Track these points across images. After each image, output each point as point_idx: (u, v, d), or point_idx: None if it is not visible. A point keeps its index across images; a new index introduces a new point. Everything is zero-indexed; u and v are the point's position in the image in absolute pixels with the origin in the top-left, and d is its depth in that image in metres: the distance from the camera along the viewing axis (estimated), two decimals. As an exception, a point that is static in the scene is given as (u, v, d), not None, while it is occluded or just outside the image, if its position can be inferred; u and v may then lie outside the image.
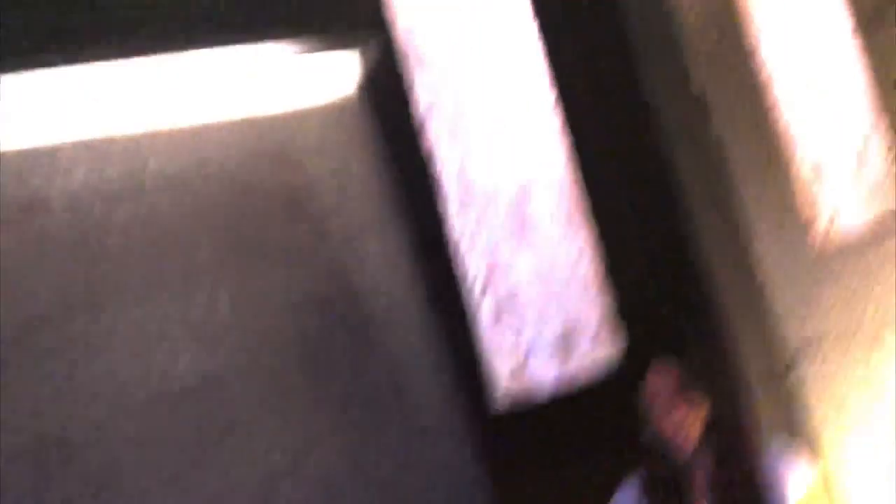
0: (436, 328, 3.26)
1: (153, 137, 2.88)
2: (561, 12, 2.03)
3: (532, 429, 3.20)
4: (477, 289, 1.69)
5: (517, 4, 1.67)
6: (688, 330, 2.86)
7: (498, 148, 1.65)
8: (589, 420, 3.06)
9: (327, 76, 3.26)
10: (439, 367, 3.29)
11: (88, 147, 2.75)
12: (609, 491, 2.80)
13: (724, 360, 2.93)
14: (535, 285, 1.64)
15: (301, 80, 3.19)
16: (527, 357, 1.66)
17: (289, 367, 3.00)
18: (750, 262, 3.23)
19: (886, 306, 3.17)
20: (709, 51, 3.23)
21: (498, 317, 1.67)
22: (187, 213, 2.90)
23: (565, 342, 1.65)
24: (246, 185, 3.04)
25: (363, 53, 3.18)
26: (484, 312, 1.69)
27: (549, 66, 1.69)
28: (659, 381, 2.66)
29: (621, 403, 2.72)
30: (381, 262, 3.29)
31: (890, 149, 2.37)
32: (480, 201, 1.65)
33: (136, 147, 2.85)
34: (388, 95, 3.22)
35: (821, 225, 2.44)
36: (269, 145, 3.14)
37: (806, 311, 3.22)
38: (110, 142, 2.80)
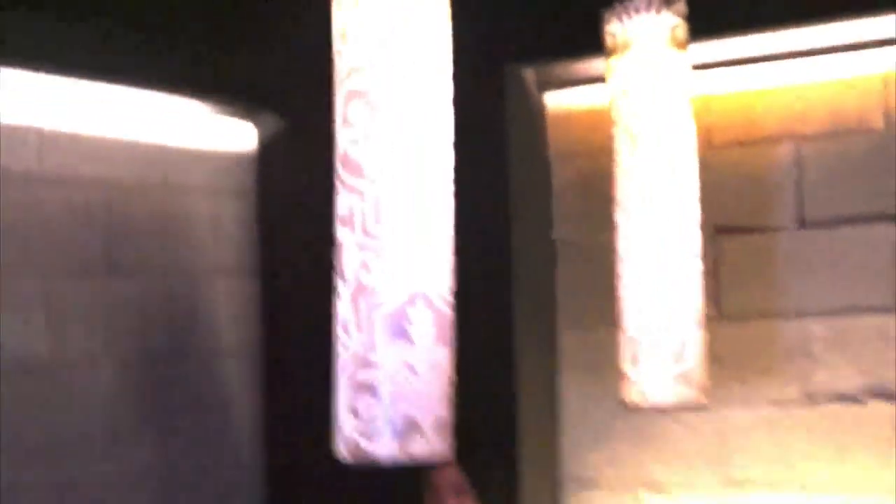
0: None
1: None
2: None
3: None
4: (341, 367, 1.97)
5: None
6: (485, 445, 3.16)
7: (397, 258, 1.94)
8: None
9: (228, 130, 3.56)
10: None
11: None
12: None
13: (506, 478, 3.25)
14: (398, 380, 1.92)
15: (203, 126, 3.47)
16: (371, 436, 1.94)
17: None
18: (557, 404, 3.65)
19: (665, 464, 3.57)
20: (573, 209, 3.64)
21: (357, 395, 1.95)
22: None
23: (406, 432, 1.93)
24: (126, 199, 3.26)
25: (260, 124, 3.52)
26: (343, 393, 1.96)
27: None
28: (445, 477, 3.00)
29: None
30: (231, 305, 3.56)
31: (705, 346, 2.77)
32: (371, 301, 1.93)
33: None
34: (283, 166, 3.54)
35: (630, 392, 2.82)
36: (160, 172, 3.38)
37: (595, 455, 3.62)
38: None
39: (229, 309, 3.59)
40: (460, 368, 2.02)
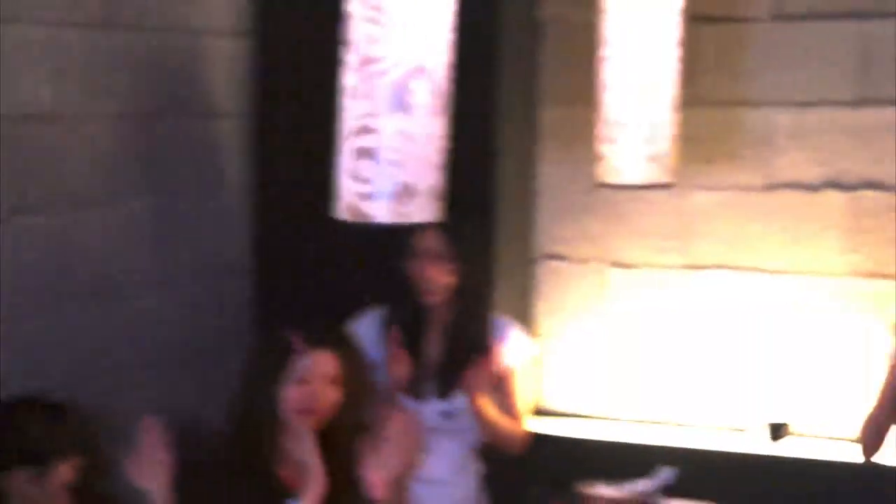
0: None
1: None
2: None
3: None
4: (347, 134, 2.13)
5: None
6: (468, 209, 3.35)
7: (399, 32, 2.07)
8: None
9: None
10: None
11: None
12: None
13: (486, 241, 3.48)
14: (396, 146, 2.09)
15: None
16: (370, 197, 2.12)
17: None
18: (535, 176, 3.88)
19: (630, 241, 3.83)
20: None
21: (358, 160, 2.11)
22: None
23: (404, 195, 2.11)
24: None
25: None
26: (346, 155, 2.13)
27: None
28: (430, 239, 3.20)
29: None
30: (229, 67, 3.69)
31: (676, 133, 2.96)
32: (374, 71, 2.07)
33: None
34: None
35: (603, 170, 3.02)
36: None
37: (563, 230, 3.88)
38: None
39: (227, 70, 3.71)
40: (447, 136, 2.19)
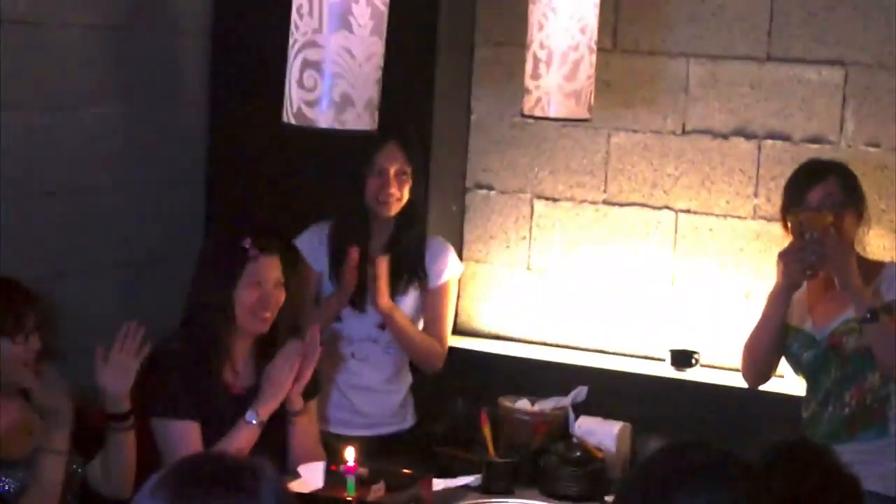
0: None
1: None
2: None
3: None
4: (294, 49, 2.38)
5: None
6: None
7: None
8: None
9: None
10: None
11: None
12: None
13: (425, 168, 3.68)
14: (338, 60, 2.34)
15: None
16: (313, 104, 2.37)
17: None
18: (469, 108, 4.13)
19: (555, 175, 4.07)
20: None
21: (304, 70, 2.37)
22: None
23: (343, 104, 2.37)
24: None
25: None
26: (295, 67, 2.38)
27: None
28: (392, 155, 3.38)
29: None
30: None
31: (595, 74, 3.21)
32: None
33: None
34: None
35: (529, 104, 3.27)
36: None
37: (494, 162, 4.13)
38: None
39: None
40: (390, 69, 2.43)
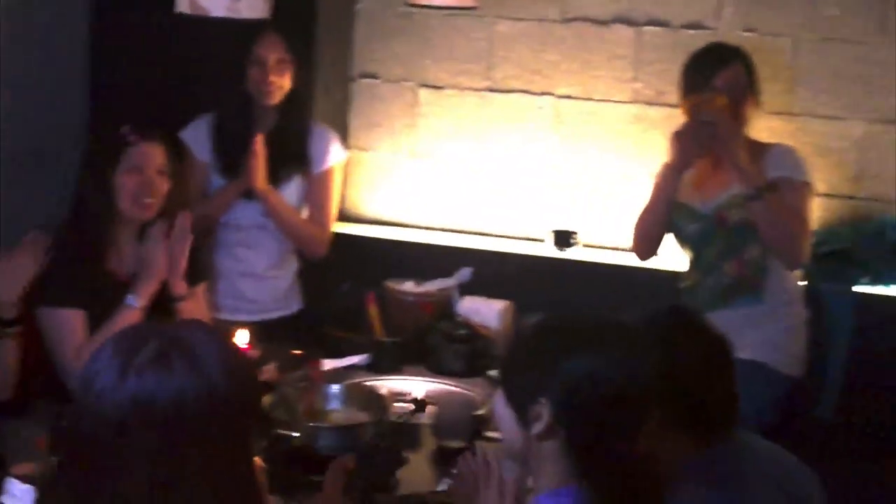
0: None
1: None
2: None
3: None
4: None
5: None
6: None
7: None
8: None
9: None
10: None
11: None
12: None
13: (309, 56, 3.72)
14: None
15: None
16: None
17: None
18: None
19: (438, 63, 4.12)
20: None
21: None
22: None
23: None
24: None
25: None
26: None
27: None
28: (272, 46, 3.38)
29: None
30: None
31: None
32: None
33: None
34: None
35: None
36: None
37: (379, 51, 4.16)
38: None
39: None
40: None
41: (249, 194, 3.51)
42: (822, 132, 3.80)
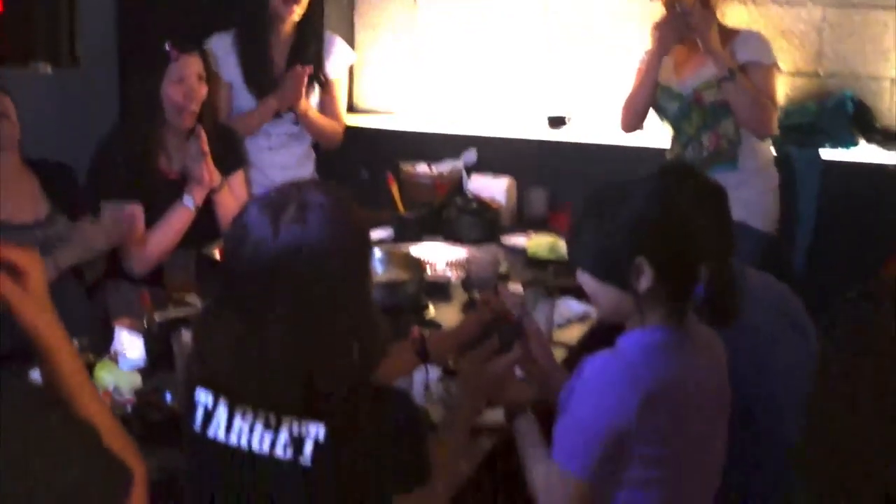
0: None
1: None
2: None
3: None
4: None
5: None
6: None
7: None
8: None
9: None
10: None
11: None
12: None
13: None
14: None
15: None
16: None
17: None
18: None
19: None
20: None
21: None
22: None
23: None
24: None
25: None
26: None
27: None
28: None
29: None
30: None
31: None
32: None
33: None
34: None
35: None
36: None
37: None
38: None
39: None
40: None
41: (277, 113, 3.80)
42: (785, 16, 4.12)
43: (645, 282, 1.99)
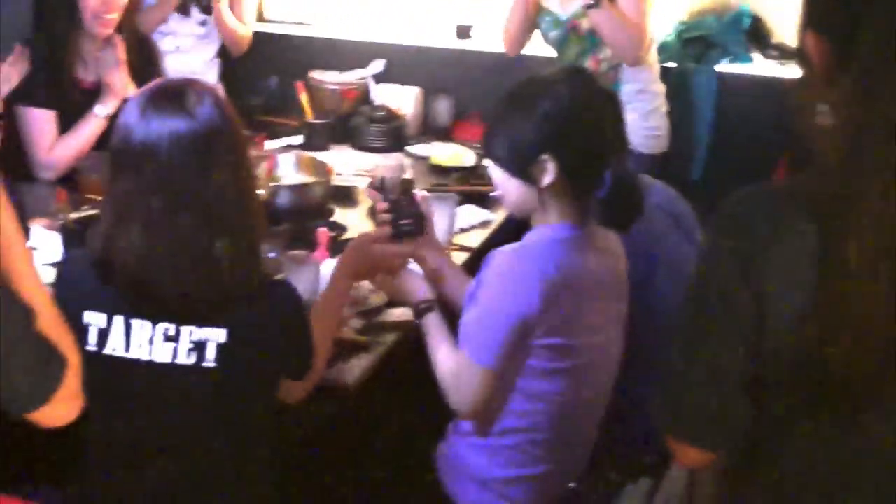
0: None
1: None
2: None
3: None
4: None
5: None
6: None
7: None
8: None
9: None
10: None
11: None
12: None
13: None
14: None
15: None
16: None
17: None
18: None
19: None
20: None
21: None
22: None
23: None
24: None
25: None
26: None
27: None
28: None
29: None
30: None
31: None
32: None
33: None
34: None
35: None
36: None
37: None
38: None
39: None
40: None
41: (186, 10, 3.88)
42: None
43: (548, 177, 2.13)
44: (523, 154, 2.16)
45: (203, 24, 3.95)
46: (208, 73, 4.03)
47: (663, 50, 4.03)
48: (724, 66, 4.10)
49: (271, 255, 2.54)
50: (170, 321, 1.91)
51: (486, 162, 2.28)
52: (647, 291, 2.47)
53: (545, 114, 2.14)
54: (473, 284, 2.23)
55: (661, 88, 3.78)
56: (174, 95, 1.89)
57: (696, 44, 4.15)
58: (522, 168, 2.17)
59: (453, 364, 2.20)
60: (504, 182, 2.22)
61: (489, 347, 2.14)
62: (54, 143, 3.26)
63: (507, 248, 2.20)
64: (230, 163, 1.90)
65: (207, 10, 3.94)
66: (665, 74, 3.83)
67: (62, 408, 1.50)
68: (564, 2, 3.64)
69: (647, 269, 2.51)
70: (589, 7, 3.48)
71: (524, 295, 2.11)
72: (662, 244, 2.56)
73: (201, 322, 1.91)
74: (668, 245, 2.57)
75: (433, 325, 2.29)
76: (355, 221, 3.11)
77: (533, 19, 3.73)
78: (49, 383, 1.45)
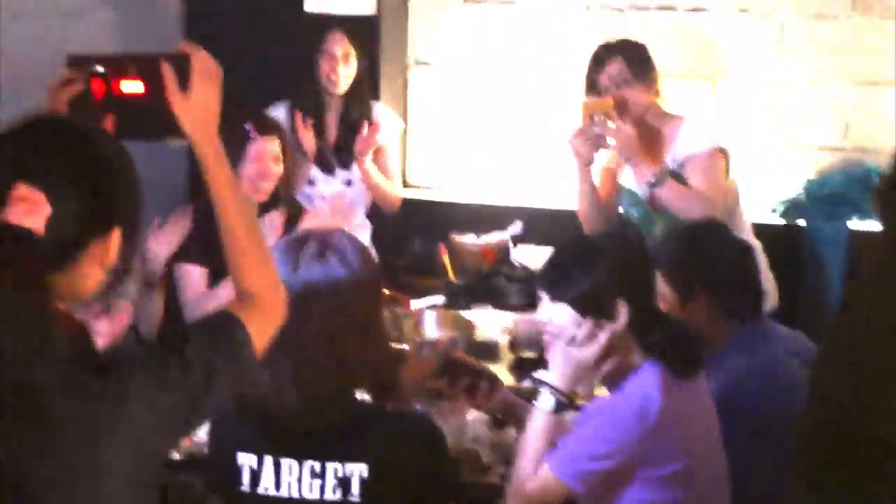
0: None
1: None
2: None
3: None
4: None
5: None
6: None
7: None
8: None
9: None
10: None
11: None
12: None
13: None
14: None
15: None
16: None
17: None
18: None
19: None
20: None
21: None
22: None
23: None
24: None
25: None
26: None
27: None
28: (337, 41, 4.00)
29: None
30: None
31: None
32: None
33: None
34: None
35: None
36: None
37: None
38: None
39: None
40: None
41: (330, 170, 4.11)
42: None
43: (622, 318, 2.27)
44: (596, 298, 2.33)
45: (349, 182, 4.15)
46: (359, 234, 4.20)
47: (793, 208, 4.13)
48: (854, 223, 4.17)
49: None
50: (315, 458, 2.01)
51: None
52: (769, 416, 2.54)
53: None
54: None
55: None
56: (322, 246, 2.04)
57: (824, 201, 4.24)
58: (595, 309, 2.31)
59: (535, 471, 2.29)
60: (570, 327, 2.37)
61: (578, 471, 2.25)
62: (202, 296, 3.37)
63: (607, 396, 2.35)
64: (364, 306, 2.05)
65: (346, 164, 4.12)
66: (794, 232, 3.90)
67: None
68: (639, 176, 3.47)
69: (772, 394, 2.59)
70: (651, 186, 3.40)
71: (623, 442, 2.24)
72: (790, 380, 2.61)
73: (343, 459, 2.00)
74: (794, 380, 2.60)
75: (546, 425, 2.35)
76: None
77: (613, 203, 3.67)
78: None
